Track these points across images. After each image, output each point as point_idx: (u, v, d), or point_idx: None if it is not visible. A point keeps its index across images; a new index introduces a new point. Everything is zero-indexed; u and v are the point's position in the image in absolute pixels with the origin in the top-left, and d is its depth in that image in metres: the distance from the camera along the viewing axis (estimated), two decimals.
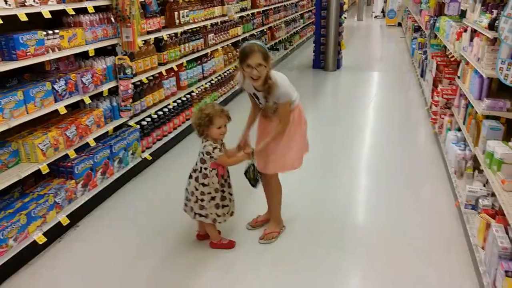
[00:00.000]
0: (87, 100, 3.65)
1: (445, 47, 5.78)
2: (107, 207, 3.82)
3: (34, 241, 3.04)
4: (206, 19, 5.99)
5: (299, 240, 3.30)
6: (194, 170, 3.01)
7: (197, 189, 2.99)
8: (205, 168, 2.96)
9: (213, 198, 3.01)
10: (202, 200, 3.00)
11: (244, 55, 2.77)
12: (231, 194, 3.13)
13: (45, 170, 3.18)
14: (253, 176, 3.12)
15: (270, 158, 3.09)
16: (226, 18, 6.69)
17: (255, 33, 8.31)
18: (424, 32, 8.50)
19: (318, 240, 3.31)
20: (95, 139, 3.72)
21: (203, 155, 2.94)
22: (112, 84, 3.98)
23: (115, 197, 3.98)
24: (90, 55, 3.71)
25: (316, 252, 3.16)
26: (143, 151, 4.47)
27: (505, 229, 2.63)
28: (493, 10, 3.60)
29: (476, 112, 3.52)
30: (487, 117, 3.39)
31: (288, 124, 3.00)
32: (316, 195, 3.99)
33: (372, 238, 3.34)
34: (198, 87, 5.84)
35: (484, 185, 3.36)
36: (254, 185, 3.17)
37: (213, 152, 2.91)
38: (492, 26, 3.35)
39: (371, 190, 4.18)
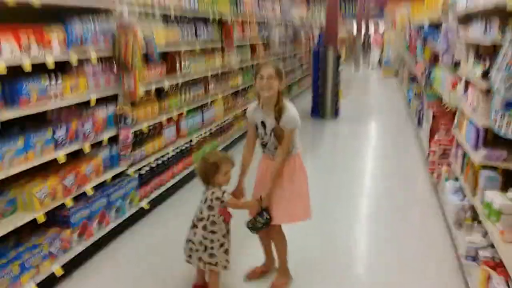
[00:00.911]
0: (87, 149, 3.68)
1: (440, 97, 5.89)
2: (103, 257, 3.76)
3: None
4: (207, 69, 6.12)
5: None
6: (200, 219, 2.99)
7: (205, 238, 2.96)
8: (213, 215, 2.96)
9: (222, 245, 3.00)
10: (212, 248, 2.97)
11: (258, 68, 2.97)
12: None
13: (41, 219, 3.15)
14: (264, 224, 3.04)
15: (279, 207, 3.05)
16: (226, 68, 6.85)
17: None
18: (420, 82, 8.68)
19: None
20: (93, 188, 3.72)
21: (212, 202, 2.95)
22: (112, 132, 4.02)
23: (111, 247, 3.92)
24: (92, 104, 3.77)
25: None
26: (141, 200, 4.45)
27: (506, 281, 2.58)
28: (485, 61, 3.70)
29: (473, 162, 3.54)
30: (484, 167, 3.41)
31: (288, 154, 3.00)
32: (313, 246, 3.94)
33: None
34: (198, 136, 5.90)
35: (484, 236, 3.33)
36: (257, 231, 3.13)
37: (222, 196, 2.93)
38: (485, 77, 3.42)
39: (370, 241, 4.13)
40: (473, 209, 3.61)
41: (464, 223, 3.73)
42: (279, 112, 2.93)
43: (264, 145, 3.10)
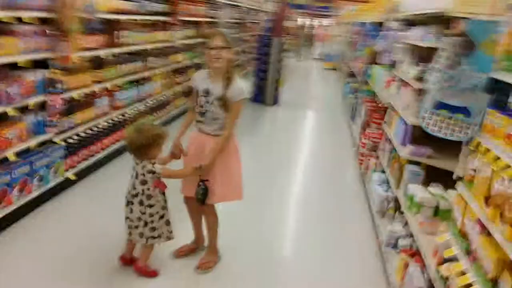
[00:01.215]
0: (11, 112, 3.43)
1: (375, 93, 6.12)
2: (21, 227, 3.55)
3: None
4: (148, 43, 5.93)
5: (226, 271, 3.25)
6: (134, 195, 2.90)
7: (143, 213, 2.89)
8: (148, 189, 2.88)
9: (162, 216, 2.96)
10: (152, 221, 2.91)
11: (207, 37, 2.90)
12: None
13: None
14: (202, 195, 2.96)
15: (214, 186, 3.00)
16: (168, 44, 6.67)
17: (197, 62, 8.34)
18: (357, 77, 8.96)
19: (244, 271, 3.30)
20: (16, 154, 3.49)
21: (144, 175, 2.85)
22: (41, 98, 3.78)
23: (32, 217, 3.71)
24: (21, 65, 3.52)
25: (244, 283, 3.15)
26: (66, 170, 4.24)
27: (421, 269, 2.75)
28: (420, 63, 3.88)
29: (400, 157, 3.72)
30: (410, 162, 3.59)
31: (234, 128, 2.97)
32: (245, 228, 3.97)
33: (295, 272, 3.38)
34: (133, 109, 5.71)
35: (404, 226, 3.52)
36: (202, 202, 3.02)
37: (153, 166, 2.85)
38: (419, 78, 3.60)
39: (297, 225, 4.24)
40: (396, 200, 3.80)
41: (386, 213, 3.92)
42: (228, 81, 2.89)
43: (202, 114, 2.99)
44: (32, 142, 3.73)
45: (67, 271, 3.08)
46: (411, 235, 3.13)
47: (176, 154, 3.12)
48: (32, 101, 3.66)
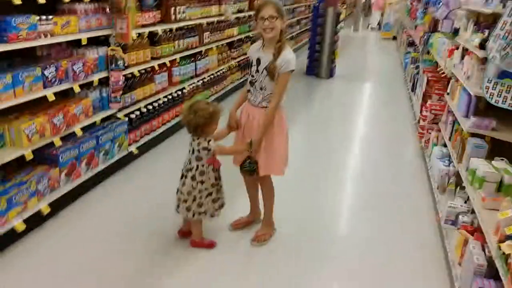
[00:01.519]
0: (77, 89, 3.62)
1: (437, 63, 5.85)
2: (90, 199, 3.80)
3: (13, 228, 3.00)
4: (202, 17, 5.98)
5: (282, 244, 3.31)
6: (189, 170, 3.00)
7: (194, 188, 2.99)
8: (202, 165, 2.97)
9: (210, 194, 3.04)
10: (200, 197, 3.01)
11: (258, 7, 2.89)
12: (221, 186, 3.15)
13: (29, 156, 3.15)
14: (250, 169, 3.05)
15: (262, 157, 3.04)
16: (222, 18, 6.70)
17: (251, 35, 8.33)
18: (417, 47, 8.60)
19: (300, 245, 3.33)
20: (82, 129, 3.69)
21: (199, 152, 2.94)
22: (103, 74, 3.95)
23: (98, 189, 3.95)
24: (83, 43, 3.68)
25: (298, 259, 3.18)
26: (130, 145, 4.45)
27: (482, 246, 2.67)
28: (485, 30, 3.66)
29: (462, 129, 3.57)
30: (473, 135, 3.44)
31: (281, 100, 2.96)
32: (301, 203, 4.00)
33: (353, 248, 3.37)
34: (190, 84, 5.83)
35: (465, 202, 3.40)
36: (251, 175, 3.10)
37: (208, 144, 2.92)
38: (483, 46, 3.39)
39: (354, 200, 4.21)
40: (457, 175, 3.67)
41: (447, 188, 3.80)
42: (278, 50, 2.88)
43: (251, 83, 3.02)
44: (97, 118, 3.93)
45: (127, 240, 3.27)
46: (472, 211, 3.02)
47: (232, 126, 3.18)
48: (95, 78, 3.84)
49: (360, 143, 5.78)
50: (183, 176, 3.04)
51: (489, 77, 3.00)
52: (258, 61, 2.96)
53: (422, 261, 3.24)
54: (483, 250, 2.63)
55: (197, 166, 2.97)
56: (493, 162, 3.05)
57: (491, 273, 2.47)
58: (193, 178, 2.98)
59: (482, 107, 3.76)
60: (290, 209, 3.81)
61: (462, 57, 4.19)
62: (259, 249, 3.24)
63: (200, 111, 2.88)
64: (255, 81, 2.99)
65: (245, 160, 3.05)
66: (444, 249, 3.28)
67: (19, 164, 3.33)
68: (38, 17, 3.14)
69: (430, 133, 4.92)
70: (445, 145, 4.31)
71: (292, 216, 3.71)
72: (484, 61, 3.47)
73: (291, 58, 2.89)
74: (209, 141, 2.95)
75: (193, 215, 3.05)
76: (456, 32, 4.91)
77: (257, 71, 2.97)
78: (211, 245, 3.21)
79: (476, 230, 2.92)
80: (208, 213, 3.08)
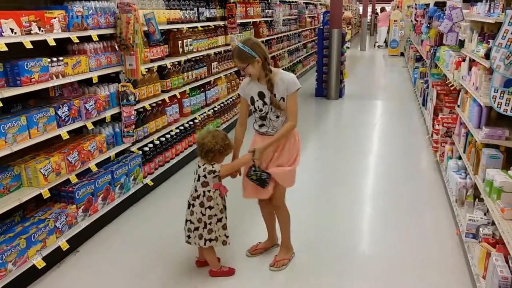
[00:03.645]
0: (90, 126, 3.70)
1: (445, 76, 5.84)
2: (108, 233, 3.82)
3: (33, 266, 3.04)
4: (209, 48, 6.10)
5: (301, 268, 3.28)
6: (195, 198, 3.01)
7: (204, 214, 2.99)
8: (208, 191, 2.99)
9: (219, 220, 3.04)
10: (210, 223, 3.00)
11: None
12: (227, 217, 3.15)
13: (46, 194, 3.20)
14: (256, 176, 2.99)
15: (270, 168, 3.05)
16: (229, 47, 6.81)
17: None
18: (425, 61, 8.60)
19: (320, 267, 3.29)
20: (97, 165, 3.75)
21: (205, 177, 2.97)
22: (115, 110, 4.04)
23: (115, 223, 3.98)
24: (94, 82, 3.78)
25: (318, 282, 3.14)
26: (144, 177, 4.49)
27: (505, 258, 2.61)
28: (489, 40, 3.67)
29: (476, 141, 3.54)
30: (487, 145, 3.40)
31: (296, 120, 2.98)
32: (319, 223, 3.98)
33: (374, 266, 3.31)
34: (201, 114, 5.90)
35: (485, 214, 3.34)
36: (261, 185, 3.02)
37: (213, 167, 2.96)
38: (488, 56, 3.39)
39: (373, 218, 4.16)
40: (475, 187, 3.62)
41: (466, 201, 3.74)
42: (270, 83, 2.92)
43: (262, 118, 3.03)
44: (111, 153, 3.99)
45: (149, 271, 3.26)
46: (493, 223, 2.97)
47: (234, 174, 3.17)
48: (108, 114, 3.92)
49: (375, 160, 5.75)
50: (190, 205, 3.04)
51: (496, 86, 2.99)
52: (262, 94, 2.99)
53: (446, 277, 3.17)
54: (507, 262, 2.57)
55: (204, 192, 2.99)
56: (509, 172, 3.00)
57: None
58: (201, 204, 2.99)
59: (494, 117, 3.74)
60: (308, 230, 3.78)
61: (470, 68, 4.19)
62: (278, 274, 3.21)
63: (218, 138, 2.96)
64: (266, 113, 3.01)
65: (250, 169, 3.03)
66: (467, 264, 3.21)
67: (37, 202, 3.40)
68: (49, 59, 3.24)
69: (444, 147, 4.88)
70: (460, 158, 4.26)
71: (311, 238, 3.67)
72: (491, 71, 3.46)
73: (291, 79, 2.94)
74: (213, 164, 2.98)
75: (205, 243, 3.03)
76: (461, 44, 4.91)
77: (265, 103, 2.99)
78: (230, 273, 3.19)
79: (498, 242, 2.86)
80: (219, 240, 3.06)
